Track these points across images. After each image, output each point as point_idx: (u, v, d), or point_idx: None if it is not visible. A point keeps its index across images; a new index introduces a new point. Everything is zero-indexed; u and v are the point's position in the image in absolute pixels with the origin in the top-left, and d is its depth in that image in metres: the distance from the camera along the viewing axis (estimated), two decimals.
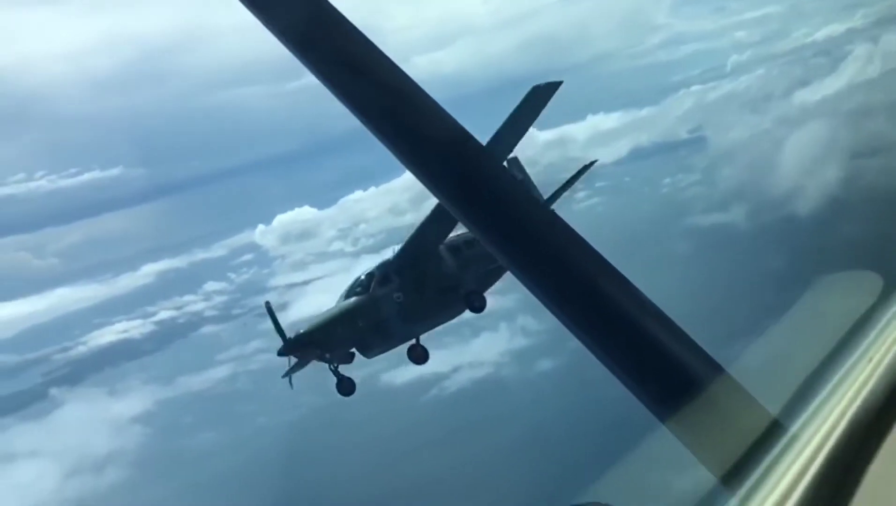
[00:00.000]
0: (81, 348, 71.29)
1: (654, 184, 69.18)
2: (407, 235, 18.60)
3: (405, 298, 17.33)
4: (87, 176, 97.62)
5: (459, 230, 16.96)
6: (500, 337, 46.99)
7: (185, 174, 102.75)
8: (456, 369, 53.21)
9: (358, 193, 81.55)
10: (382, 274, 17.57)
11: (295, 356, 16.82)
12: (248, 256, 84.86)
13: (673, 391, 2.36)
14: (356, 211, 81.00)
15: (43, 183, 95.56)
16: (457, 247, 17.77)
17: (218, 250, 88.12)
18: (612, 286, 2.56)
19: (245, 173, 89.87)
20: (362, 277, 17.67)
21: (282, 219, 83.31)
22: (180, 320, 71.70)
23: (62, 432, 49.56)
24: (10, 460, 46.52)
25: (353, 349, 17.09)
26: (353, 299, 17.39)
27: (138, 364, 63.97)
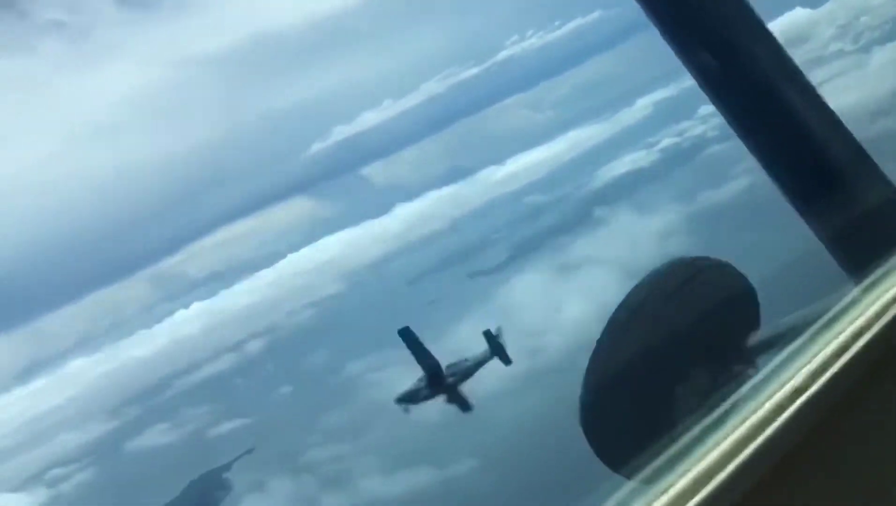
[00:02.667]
0: (597, 182, 79.10)
1: None
2: None
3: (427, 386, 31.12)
4: (570, 25, 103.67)
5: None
6: None
7: None
8: None
9: None
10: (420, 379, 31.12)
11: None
12: None
13: (814, 177, 2.29)
14: (857, 2, 72.87)
15: (533, 41, 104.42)
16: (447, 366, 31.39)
17: None
18: (765, 55, 2.38)
19: None
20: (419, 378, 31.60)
21: (771, 26, 78.86)
22: (684, 145, 74.45)
23: (610, 244, 56.84)
24: (577, 268, 55.41)
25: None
26: (412, 387, 31.10)
27: (655, 188, 68.87)
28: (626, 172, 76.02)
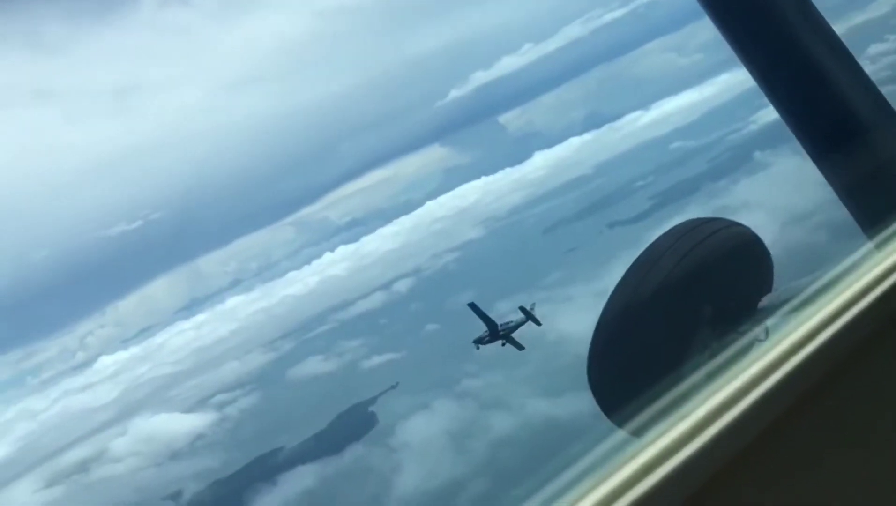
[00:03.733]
0: (752, 126, 75.97)
1: None
2: None
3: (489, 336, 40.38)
4: None
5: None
6: None
7: None
8: None
9: None
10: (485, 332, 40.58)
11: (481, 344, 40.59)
12: None
13: (833, 130, 2.13)
14: None
15: None
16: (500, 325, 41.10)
17: (879, 9, 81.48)
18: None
19: None
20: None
21: None
22: None
23: (770, 189, 54.85)
24: (733, 213, 54.23)
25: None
26: (480, 336, 40.53)
27: None
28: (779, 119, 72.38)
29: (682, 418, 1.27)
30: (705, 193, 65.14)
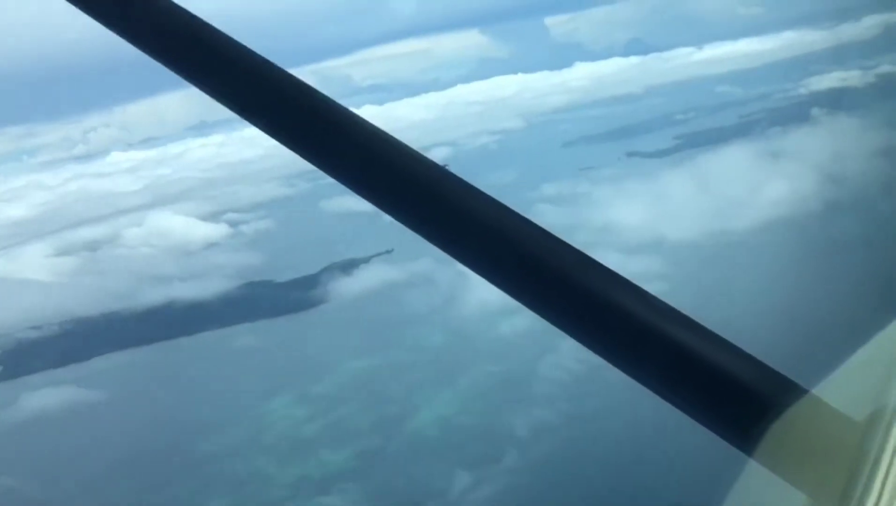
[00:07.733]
0: (801, 91, 77.47)
1: None
2: None
3: None
4: None
5: None
6: None
7: None
8: None
9: None
10: None
11: None
12: None
13: (746, 416, 1.83)
14: None
15: None
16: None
17: None
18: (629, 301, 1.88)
19: None
20: None
21: None
22: None
23: (808, 150, 57.16)
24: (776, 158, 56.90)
25: None
26: None
27: (861, 113, 66.58)
28: (830, 88, 73.45)
29: None
30: (734, 146, 66.37)
